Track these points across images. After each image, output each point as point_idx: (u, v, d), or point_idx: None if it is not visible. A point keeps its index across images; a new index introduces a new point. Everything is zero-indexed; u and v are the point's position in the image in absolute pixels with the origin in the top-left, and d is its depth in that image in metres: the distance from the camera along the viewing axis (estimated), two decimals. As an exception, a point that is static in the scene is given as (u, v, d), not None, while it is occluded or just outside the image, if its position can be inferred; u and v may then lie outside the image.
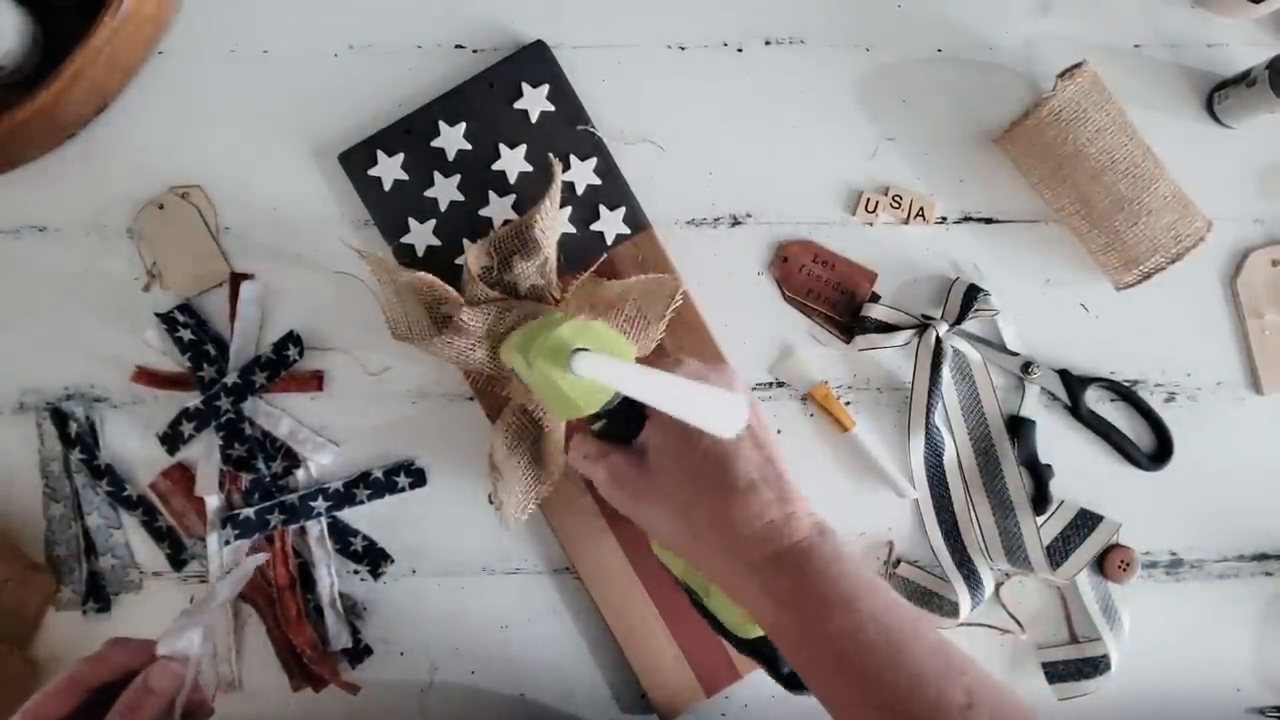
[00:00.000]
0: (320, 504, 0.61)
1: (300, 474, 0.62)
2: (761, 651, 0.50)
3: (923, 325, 0.61)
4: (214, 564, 0.60)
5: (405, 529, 0.62)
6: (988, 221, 0.63)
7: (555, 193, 0.58)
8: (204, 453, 0.61)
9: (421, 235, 0.61)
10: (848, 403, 0.62)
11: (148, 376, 0.61)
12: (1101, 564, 0.61)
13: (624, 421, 0.49)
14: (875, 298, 0.62)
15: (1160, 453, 0.62)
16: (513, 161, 0.61)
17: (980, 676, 0.39)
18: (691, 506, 0.43)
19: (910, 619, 0.40)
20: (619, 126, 0.63)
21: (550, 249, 0.58)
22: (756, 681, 0.61)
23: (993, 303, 0.61)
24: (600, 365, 0.41)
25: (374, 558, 0.62)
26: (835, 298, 0.62)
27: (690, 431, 0.39)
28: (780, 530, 0.42)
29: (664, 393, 0.37)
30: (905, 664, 0.38)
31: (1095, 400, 0.63)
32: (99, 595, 0.61)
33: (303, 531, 0.61)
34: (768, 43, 0.63)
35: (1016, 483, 0.61)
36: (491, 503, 0.59)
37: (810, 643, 0.40)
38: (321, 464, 0.62)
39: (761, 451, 0.44)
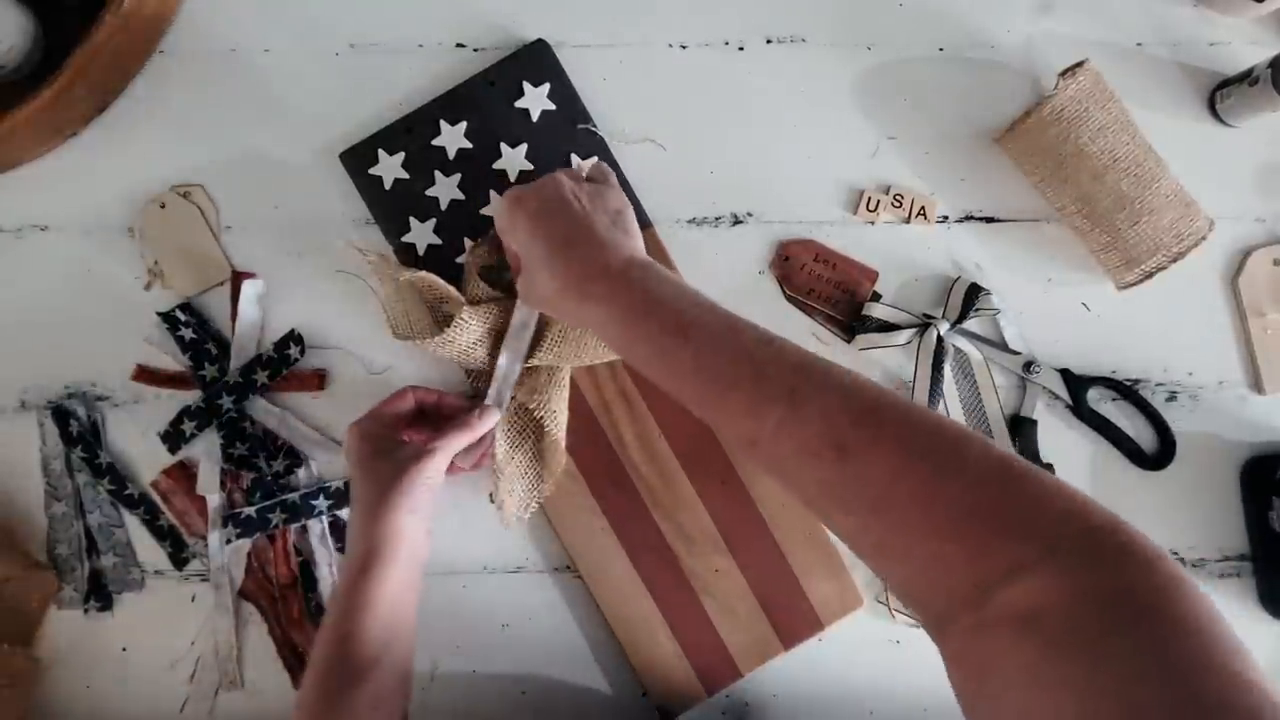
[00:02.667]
0: (321, 502, 0.61)
1: (302, 473, 0.62)
2: None
3: (924, 324, 0.61)
4: (215, 562, 0.61)
5: (406, 528, 0.62)
6: (989, 220, 0.63)
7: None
8: (205, 451, 0.61)
9: (422, 234, 0.61)
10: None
11: (149, 375, 0.61)
12: (1102, 563, 0.61)
13: None
14: (876, 297, 0.62)
15: (1162, 452, 0.62)
16: (514, 160, 0.61)
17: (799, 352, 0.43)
18: (544, 264, 0.49)
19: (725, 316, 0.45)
20: (620, 125, 0.63)
21: None
22: (757, 680, 0.61)
23: (994, 302, 0.61)
24: None
25: (375, 556, 0.62)
26: (836, 297, 0.62)
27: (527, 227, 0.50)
28: (604, 265, 0.48)
29: None
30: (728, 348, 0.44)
31: (1097, 399, 0.63)
32: (101, 594, 0.61)
33: (304, 530, 0.61)
34: (769, 41, 0.63)
35: (1017, 482, 0.61)
36: (492, 501, 0.59)
37: (637, 338, 0.46)
38: (323, 462, 0.62)
39: (583, 212, 0.50)
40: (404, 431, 0.58)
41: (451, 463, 0.57)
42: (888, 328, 0.61)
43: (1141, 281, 0.59)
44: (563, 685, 0.62)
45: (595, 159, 0.62)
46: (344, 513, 0.62)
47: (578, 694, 0.62)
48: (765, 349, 0.43)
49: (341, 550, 0.62)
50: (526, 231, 0.50)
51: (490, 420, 0.58)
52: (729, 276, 0.63)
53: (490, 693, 0.62)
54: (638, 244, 0.52)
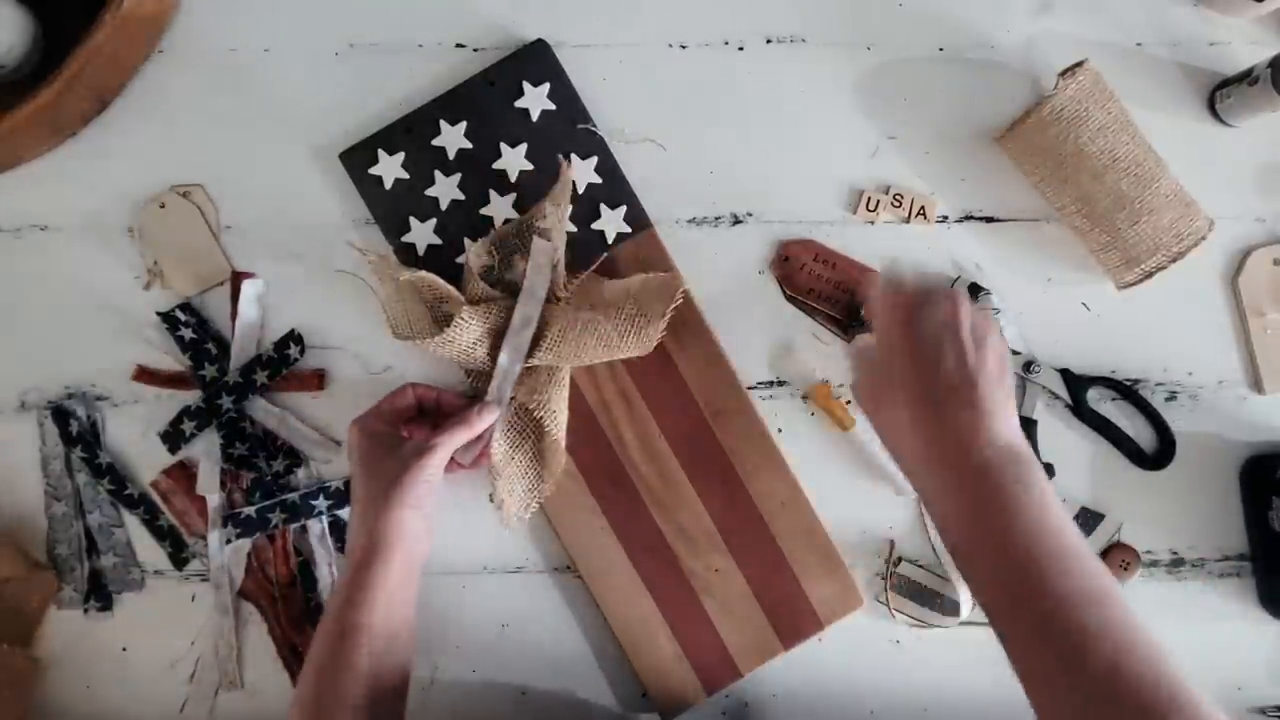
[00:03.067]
0: (321, 502, 0.61)
1: (301, 472, 0.62)
2: None
3: (924, 324, 0.61)
4: (215, 562, 0.61)
5: (406, 528, 0.62)
6: (989, 220, 0.63)
7: (561, 193, 0.58)
8: (205, 451, 0.61)
9: (422, 234, 0.61)
10: (848, 401, 0.62)
11: (149, 375, 0.61)
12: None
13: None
14: (876, 297, 0.62)
15: (1162, 452, 0.62)
16: (514, 160, 0.61)
17: (1125, 614, 0.42)
18: (903, 406, 0.48)
19: (1065, 540, 0.44)
20: (620, 125, 0.63)
21: (561, 246, 0.58)
22: (757, 680, 0.61)
23: (994, 301, 0.61)
24: None
25: (375, 556, 0.62)
26: (836, 296, 0.62)
27: (899, 345, 0.48)
28: (974, 437, 0.46)
29: None
30: (1057, 582, 0.42)
31: (1097, 399, 0.63)
32: (100, 594, 0.61)
33: (304, 530, 0.61)
34: (769, 41, 0.63)
35: (1017, 482, 0.61)
36: (492, 501, 0.59)
37: (982, 550, 0.46)
38: (322, 462, 0.62)
39: (963, 365, 0.47)
40: (404, 428, 0.58)
41: (451, 460, 0.57)
42: (888, 327, 0.61)
43: (1141, 281, 0.59)
44: (562, 685, 0.62)
45: (974, 297, 0.59)
46: (344, 512, 0.62)
47: (577, 694, 0.62)
48: (1128, 656, 0.40)
49: (341, 550, 0.62)
50: (903, 353, 0.47)
51: (490, 417, 0.58)
52: (729, 276, 0.63)
53: (490, 693, 0.62)
54: (1013, 410, 0.48)
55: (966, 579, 0.48)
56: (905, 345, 0.48)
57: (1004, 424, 0.47)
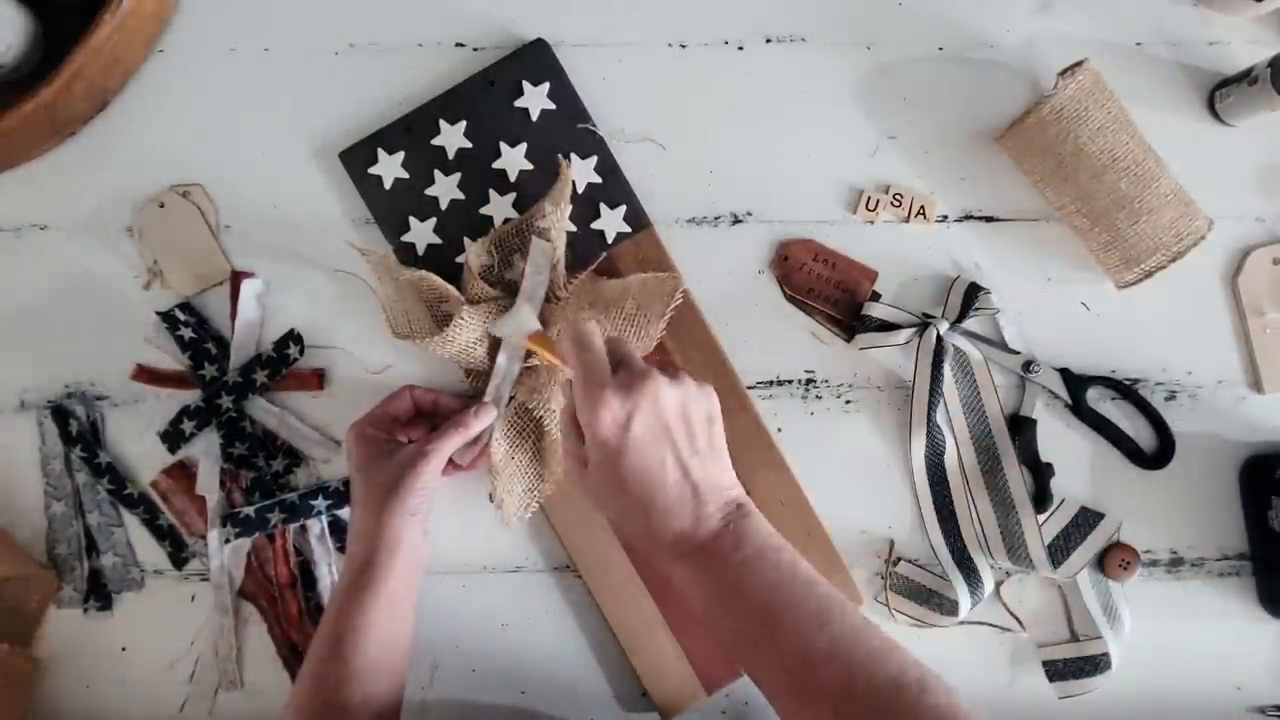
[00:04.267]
0: (320, 502, 0.61)
1: (301, 472, 0.62)
2: None
3: (923, 324, 0.61)
4: (215, 562, 0.61)
5: (406, 527, 0.62)
6: (989, 220, 0.63)
7: (560, 193, 0.58)
8: (205, 451, 0.61)
9: (422, 233, 0.61)
10: (848, 401, 0.63)
11: (148, 375, 0.61)
12: (1102, 562, 0.61)
13: None
14: (876, 296, 0.62)
15: (1161, 451, 0.62)
16: (513, 160, 0.61)
17: (854, 631, 0.45)
18: (621, 516, 0.48)
19: (788, 590, 0.46)
20: (620, 125, 0.63)
21: (560, 246, 0.58)
22: (757, 680, 0.61)
23: (993, 301, 0.61)
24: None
25: (375, 556, 0.62)
26: (836, 296, 0.62)
27: (607, 458, 0.45)
28: (691, 534, 0.47)
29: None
30: (781, 627, 0.45)
31: (1096, 399, 0.63)
32: (100, 593, 0.61)
33: (303, 530, 0.61)
34: (769, 41, 0.63)
35: (1017, 481, 0.61)
36: (492, 501, 0.59)
37: (708, 615, 0.47)
38: (322, 462, 0.62)
39: (675, 469, 0.46)
40: (403, 431, 0.58)
41: (450, 461, 0.57)
42: (887, 327, 0.61)
43: (1141, 281, 0.59)
44: (562, 685, 0.62)
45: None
46: (343, 512, 0.61)
47: (577, 693, 0.62)
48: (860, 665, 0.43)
49: (341, 550, 0.62)
50: (616, 484, 0.46)
51: (486, 418, 0.57)
52: (728, 276, 0.63)
53: (490, 692, 0.62)
54: (727, 469, 0.49)
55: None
56: (617, 478, 0.46)
57: (718, 495, 0.47)
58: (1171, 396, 0.63)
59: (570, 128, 0.62)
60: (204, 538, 0.61)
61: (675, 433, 0.46)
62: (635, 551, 0.60)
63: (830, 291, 0.62)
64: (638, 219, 0.62)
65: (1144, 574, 0.62)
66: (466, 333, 0.56)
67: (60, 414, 0.61)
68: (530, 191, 0.61)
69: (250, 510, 0.60)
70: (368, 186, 0.61)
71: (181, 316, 0.61)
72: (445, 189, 0.61)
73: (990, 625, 0.62)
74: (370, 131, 0.61)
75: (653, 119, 0.63)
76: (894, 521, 0.62)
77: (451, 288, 0.57)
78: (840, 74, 0.63)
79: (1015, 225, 0.63)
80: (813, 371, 0.63)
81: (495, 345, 0.58)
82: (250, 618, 0.61)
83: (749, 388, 0.62)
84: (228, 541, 0.60)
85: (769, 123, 0.63)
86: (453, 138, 0.61)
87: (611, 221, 0.61)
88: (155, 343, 0.61)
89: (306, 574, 0.61)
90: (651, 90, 0.63)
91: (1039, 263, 0.63)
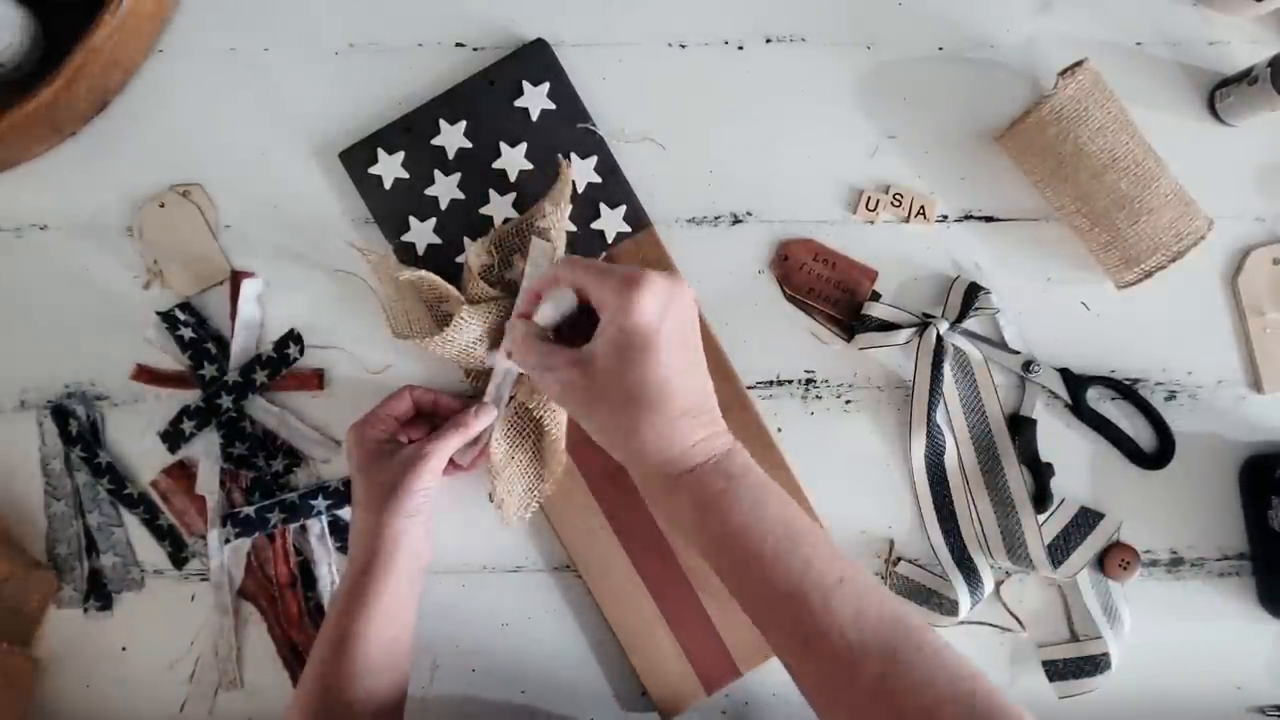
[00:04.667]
0: (320, 502, 0.61)
1: (301, 472, 0.62)
2: None
3: (923, 324, 0.61)
4: (214, 562, 0.61)
5: (406, 527, 0.62)
6: (988, 220, 0.63)
7: (560, 193, 0.58)
8: (205, 451, 0.61)
9: (422, 233, 0.61)
10: (848, 401, 0.63)
11: (148, 374, 0.61)
12: (1102, 562, 0.61)
13: (573, 325, 0.51)
14: (876, 296, 0.62)
15: (1161, 451, 0.62)
16: (513, 160, 0.61)
17: (854, 562, 0.47)
18: (629, 427, 0.46)
19: (796, 525, 0.47)
20: (620, 125, 0.63)
21: (560, 246, 0.58)
22: (758, 679, 0.61)
23: (993, 301, 0.61)
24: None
25: (375, 556, 0.62)
26: (836, 296, 0.62)
27: (631, 353, 0.44)
28: (699, 450, 0.47)
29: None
30: (798, 551, 0.45)
31: (1096, 399, 0.63)
32: (100, 593, 0.61)
33: (303, 529, 0.61)
34: (769, 41, 0.63)
35: (1017, 481, 0.61)
36: (492, 501, 0.59)
37: (713, 537, 0.47)
38: (322, 462, 0.62)
39: (695, 377, 0.47)
40: (403, 432, 0.58)
41: (450, 462, 0.57)
42: (887, 327, 0.61)
43: (1141, 281, 0.59)
44: (562, 684, 0.62)
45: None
46: (343, 512, 0.61)
47: (577, 693, 0.62)
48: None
49: (340, 550, 0.62)
50: (646, 362, 0.45)
51: (486, 418, 0.57)
52: (728, 276, 0.63)
53: (490, 692, 0.62)
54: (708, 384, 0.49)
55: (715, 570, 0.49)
56: (636, 376, 0.45)
57: (719, 413, 0.48)
58: (1171, 396, 0.63)
59: (570, 128, 0.62)
60: (204, 538, 0.61)
61: (697, 341, 0.47)
62: (634, 545, 0.60)
63: (830, 291, 0.62)
64: (638, 219, 0.62)
65: (1144, 574, 0.62)
66: (466, 333, 0.56)
67: (60, 414, 0.61)
68: (530, 191, 0.61)
69: (250, 510, 0.60)
70: (368, 186, 0.61)
71: (181, 316, 0.61)
72: (445, 189, 0.61)
73: (990, 625, 0.62)
74: (370, 131, 0.61)
75: (653, 119, 0.63)
76: (894, 521, 0.62)
77: (451, 288, 0.57)
78: (840, 74, 0.63)
79: (1015, 225, 0.63)
80: (813, 371, 0.63)
81: (495, 345, 0.58)
82: (250, 618, 0.61)
83: (749, 388, 0.62)
84: (227, 541, 0.60)
85: (769, 122, 0.63)
86: (453, 138, 0.61)
87: (611, 221, 0.61)
88: (155, 343, 0.61)
89: (306, 574, 0.61)
90: (651, 90, 0.63)
91: (1039, 263, 0.63)
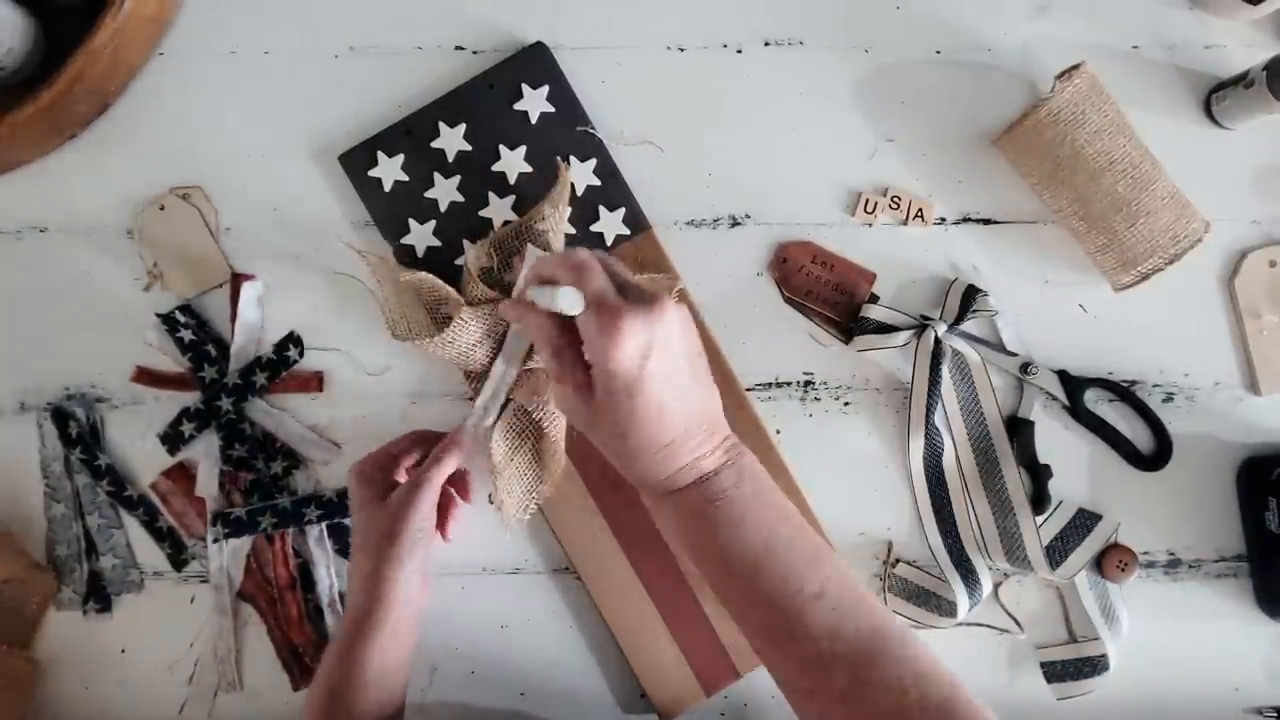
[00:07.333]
0: (312, 511, 0.60)
1: (300, 474, 0.62)
2: None
3: (921, 326, 0.61)
4: (214, 563, 0.61)
5: (405, 529, 0.62)
6: (986, 222, 0.63)
7: (559, 195, 0.58)
8: (204, 453, 0.61)
9: (422, 236, 0.61)
10: (847, 403, 0.63)
11: (148, 376, 0.61)
12: (1100, 564, 0.61)
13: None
14: (874, 298, 0.62)
15: (1158, 453, 0.62)
16: (513, 162, 0.62)
17: (842, 576, 0.47)
18: (621, 452, 0.48)
19: (775, 540, 0.47)
20: (619, 127, 0.63)
21: (559, 248, 0.59)
22: (757, 680, 0.61)
23: (991, 303, 0.61)
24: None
25: (374, 558, 0.62)
26: (834, 298, 0.62)
27: (615, 397, 0.45)
28: (685, 473, 0.48)
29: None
30: (775, 565, 0.47)
31: (1094, 400, 0.63)
32: (100, 595, 0.61)
33: (303, 532, 0.61)
34: (767, 44, 0.64)
35: (1016, 482, 0.61)
36: (491, 502, 0.59)
37: (695, 550, 0.49)
38: (321, 464, 0.62)
39: (689, 400, 0.47)
40: (403, 469, 0.58)
41: (446, 512, 0.58)
42: (885, 329, 0.61)
43: (1138, 283, 0.59)
44: (562, 687, 0.62)
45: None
46: (342, 519, 0.61)
47: (576, 695, 0.62)
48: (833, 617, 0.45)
49: (339, 552, 0.62)
50: (628, 407, 0.45)
51: (459, 448, 0.57)
52: (727, 278, 0.63)
53: (489, 694, 0.62)
54: (720, 402, 0.50)
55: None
56: (629, 411, 0.45)
57: (721, 428, 0.49)
58: (1169, 398, 0.63)
59: (569, 130, 0.62)
60: (203, 539, 0.61)
61: (689, 363, 0.47)
62: (633, 547, 0.60)
63: (829, 293, 0.62)
64: (637, 221, 0.62)
65: (1142, 575, 0.62)
66: (466, 334, 0.57)
67: (60, 416, 0.61)
68: (529, 194, 0.61)
69: (241, 512, 0.60)
70: (367, 189, 0.62)
71: (181, 318, 0.61)
72: (445, 191, 0.61)
73: (988, 626, 0.62)
74: (370, 134, 0.61)
75: (652, 122, 0.63)
76: (892, 523, 0.63)
77: (451, 289, 0.57)
78: (838, 77, 0.63)
79: (1013, 227, 0.63)
80: (811, 373, 0.63)
81: (495, 347, 0.58)
82: (250, 619, 0.61)
83: (748, 389, 0.62)
84: (216, 541, 0.60)
85: (767, 125, 0.63)
86: (452, 140, 0.61)
87: (610, 224, 0.62)
88: (155, 345, 0.61)
89: (306, 575, 0.62)
90: (650, 93, 0.63)
91: (1037, 265, 0.63)
